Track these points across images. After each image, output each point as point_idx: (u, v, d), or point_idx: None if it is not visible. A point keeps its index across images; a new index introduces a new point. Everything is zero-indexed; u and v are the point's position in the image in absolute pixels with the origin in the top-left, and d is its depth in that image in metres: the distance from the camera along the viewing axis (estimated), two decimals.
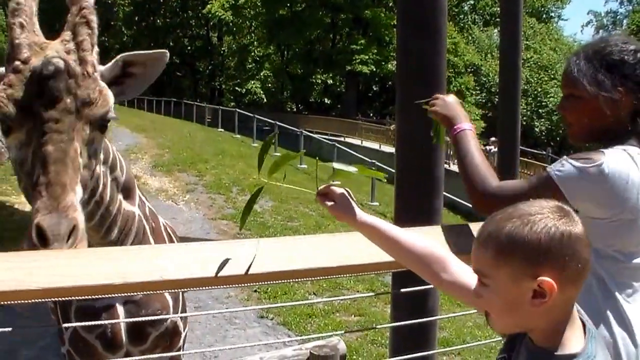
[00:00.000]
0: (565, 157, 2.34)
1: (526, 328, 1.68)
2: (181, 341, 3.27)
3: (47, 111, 2.15)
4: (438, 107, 2.83)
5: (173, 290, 3.03)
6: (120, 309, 2.91)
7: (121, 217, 2.78)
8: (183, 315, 3.25)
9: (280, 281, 2.03)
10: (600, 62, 2.41)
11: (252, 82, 47.33)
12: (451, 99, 2.88)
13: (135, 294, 2.80)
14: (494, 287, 1.63)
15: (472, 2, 57.66)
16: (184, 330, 3.28)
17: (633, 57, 2.40)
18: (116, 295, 2.76)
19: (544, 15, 70.02)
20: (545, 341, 1.64)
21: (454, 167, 30.83)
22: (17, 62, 2.20)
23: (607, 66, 2.40)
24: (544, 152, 37.31)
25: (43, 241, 2.05)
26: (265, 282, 2.05)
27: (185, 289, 2.15)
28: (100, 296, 2.41)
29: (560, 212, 1.60)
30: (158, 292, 2.91)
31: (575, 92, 2.48)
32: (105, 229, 2.72)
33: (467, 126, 2.61)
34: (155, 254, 2.08)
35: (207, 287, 2.09)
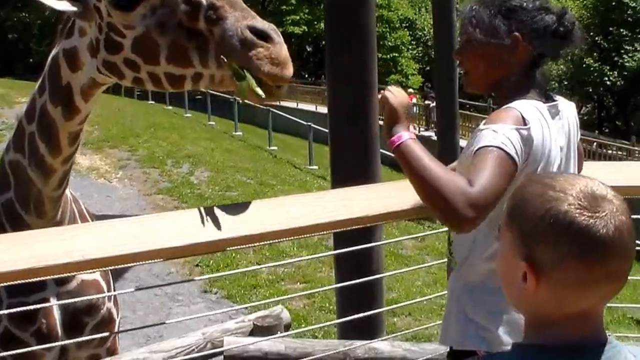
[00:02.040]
0: (487, 126, 2.23)
1: (517, 307, 1.57)
2: (116, 328, 3.26)
3: None
4: (389, 97, 2.50)
5: (105, 272, 3.03)
6: (54, 302, 2.88)
7: (63, 197, 2.79)
8: (116, 293, 3.24)
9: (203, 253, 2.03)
10: (498, 8, 2.39)
11: None
12: (404, 97, 2.66)
13: (69, 284, 2.80)
14: (502, 247, 1.53)
15: None
16: (117, 317, 3.27)
17: (532, 4, 2.39)
18: (47, 288, 2.76)
19: None
20: (528, 334, 1.51)
21: None
22: None
23: (505, 11, 2.38)
24: (485, 104, 37.73)
25: (265, 39, 2.05)
26: (195, 255, 2.04)
27: (112, 267, 2.12)
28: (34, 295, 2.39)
29: (588, 200, 1.38)
30: (90, 278, 2.91)
31: (471, 37, 2.44)
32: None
33: (407, 135, 2.26)
34: (75, 234, 2.06)
35: (135, 264, 2.08)
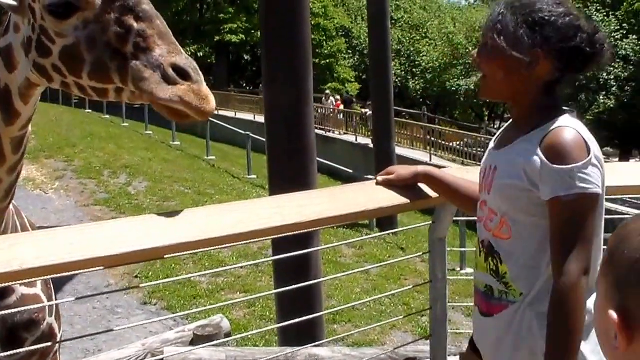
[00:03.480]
0: (560, 165, 2.10)
1: None
2: (57, 345, 3.21)
3: None
4: (393, 180, 2.66)
5: (46, 287, 3.00)
6: None
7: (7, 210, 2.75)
8: (53, 303, 3.21)
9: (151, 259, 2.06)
10: (525, 18, 2.25)
11: None
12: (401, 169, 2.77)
13: (8, 298, 2.75)
14: (597, 297, 1.32)
15: None
16: (59, 332, 3.22)
17: (561, 20, 2.24)
18: None
19: None
20: None
21: (332, 134, 31.28)
22: None
23: (532, 23, 2.24)
24: (420, 112, 38.23)
25: (184, 78, 2.08)
26: (132, 263, 2.06)
27: (51, 276, 2.13)
28: None
29: None
30: (31, 292, 2.87)
31: (492, 43, 2.31)
32: None
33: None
34: (13, 242, 2.07)
35: (76, 272, 2.10)
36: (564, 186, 2.09)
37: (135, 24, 2.14)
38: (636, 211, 20.18)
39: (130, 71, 2.13)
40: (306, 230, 2.46)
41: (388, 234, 14.99)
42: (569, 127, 2.16)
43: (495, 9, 2.35)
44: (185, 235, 2.12)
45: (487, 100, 2.46)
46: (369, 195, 2.60)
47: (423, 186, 2.70)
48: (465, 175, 2.75)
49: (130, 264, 1.97)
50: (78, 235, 2.08)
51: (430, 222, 3.01)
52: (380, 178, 2.73)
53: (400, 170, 2.72)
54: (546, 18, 2.23)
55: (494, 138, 2.54)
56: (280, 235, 2.35)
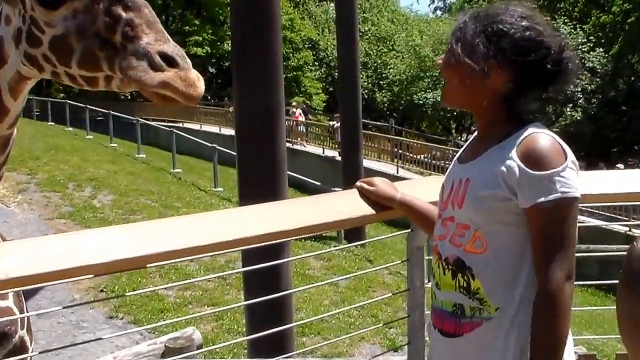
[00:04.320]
0: (538, 172, 2.12)
1: None
2: (29, 358, 3.18)
3: None
4: (370, 193, 2.69)
5: (18, 300, 2.98)
6: None
7: None
8: (26, 315, 3.20)
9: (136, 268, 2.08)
10: (484, 28, 2.26)
11: None
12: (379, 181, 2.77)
13: None
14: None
15: None
16: (31, 345, 3.20)
17: (520, 34, 2.23)
18: None
19: None
20: None
21: (300, 147, 31.30)
22: None
23: (490, 34, 2.24)
24: (387, 124, 38.43)
25: (171, 65, 2.11)
26: (119, 272, 2.08)
27: (37, 286, 2.13)
28: None
29: None
30: (3, 306, 2.84)
31: (451, 49, 2.32)
32: None
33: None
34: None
35: (59, 282, 2.11)
36: (545, 192, 2.10)
37: (124, 14, 2.17)
38: (600, 222, 20.47)
39: (119, 60, 2.16)
40: (291, 239, 2.49)
41: (356, 246, 15.03)
42: (544, 133, 2.19)
43: (461, 17, 2.37)
44: (170, 244, 2.14)
45: (455, 113, 2.45)
46: (352, 204, 2.63)
47: None
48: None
49: (114, 273, 1.98)
50: (63, 243, 2.10)
51: (409, 230, 3.05)
52: (359, 184, 2.76)
53: (381, 188, 2.71)
54: (505, 30, 2.23)
55: (458, 153, 2.53)
56: (264, 244, 2.38)
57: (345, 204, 2.65)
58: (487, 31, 2.24)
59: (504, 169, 2.17)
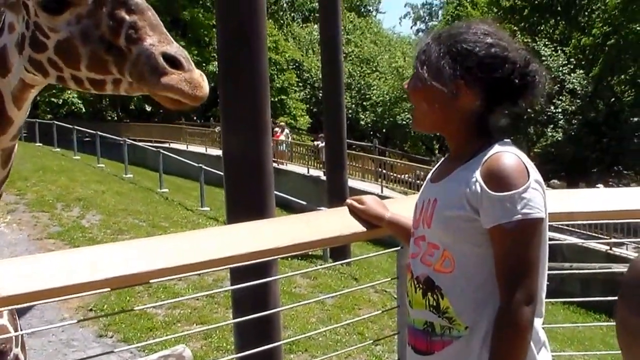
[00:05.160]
0: (500, 194, 2.08)
1: None
2: None
3: None
4: (360, 211, 2.70)
5: (12, 318, 2.97)
6: None
7: None
8: (21, 332, 3.19)
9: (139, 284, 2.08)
10: (448, 48, 2.22)
11: (69, 92, 45.81)
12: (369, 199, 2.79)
13: None
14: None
15: None
16: None
17: (485, 51, 2.20)
18: None
19: (363, 10, 72.22)
20: None
21: (285, 167, 31.29)
22: None
23: (455, 54, 2.21)
24: (371, 144, 38.50)
25: (175, 66, 2.11)
26: (120, 288, 2.08)
27: (35, 303, 2.13)
28: None
29: None
30: None
31: (416, 73, 2.30)
32: None
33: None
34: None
35: (54, 300, 2.10)
36: (506, 213, 2.06)
37: (127, 17, 2.18)
38: (580, 241, 20.55)
39: (126, 62, 2.17)
40: (281, 256, 2.50)
41: (342, 264, 15.04)
42: (508, 152, 2.15)
43: (423, 39, 2.36)
44: (169, 261, 2.14)
45: (437, 134, 2.40)
46: (342, 221, 2.65)
47: None
48: None
49: (114, 290, 1.98)
50: (61, 260, 2.10)
51: (398, 247, 3.07)
52: (349, 202, 2.77)
53: (370, 207, 2.72)
54: (468, 49, 2.19)
55: (430, 172, 2.49)
56: (259, 260, 2.39)
57: (335, 222, 2.67)
58: (451, 51, 2.21)
59: (467, 189, 2.14)
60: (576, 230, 20.80)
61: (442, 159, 2.50)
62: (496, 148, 2.18)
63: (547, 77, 2.31)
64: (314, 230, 2.58)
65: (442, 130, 2.36)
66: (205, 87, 2.18)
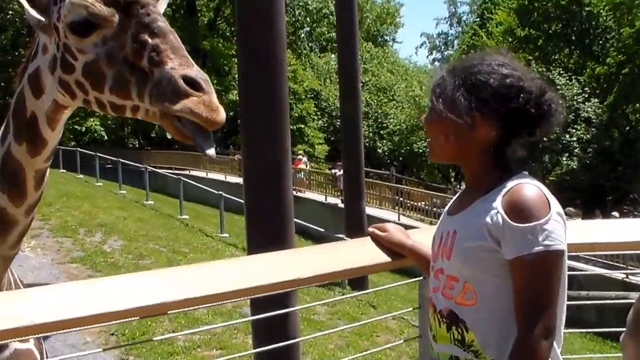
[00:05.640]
0: (521, 225, 2.04)
1: None
2: None
3: None
4: (381, 238, 2.69)
5: (38, 343, 2.97)
6: None
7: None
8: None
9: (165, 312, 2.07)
10: (463, 80, 2.20)
11: (92, 120, 46.22)
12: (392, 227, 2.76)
13: (1, 353, 2.72)
14: None
15: (308, 29, 58.82)
16: None
17: (499, 82, 2.17)
18: None
19: (379, 39, 72.51)
20: None
21: (303, 194, 31.29)
22: None
23: (470, 86, 2.19)
24: (388, 172, 38.53)
25: (195, 89, 2.11)
26: (142, 317, 2.07)
27: (61, 331, 2.12)
28: None
29: None
30: (24, 347, 2.83)
31: (434, 107, 2.27)
32: None
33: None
34: (23, 298, 2.08)
35: (82, 328, 2.10)
36: (527, 244, 2.02)
37: (149, 40, 2.21)
38: (600, 270, 20.42)
39: (149, 85, 2.19)
40: (305, 287, 2.48)
41: (367, 293, 14.97)
42: (529, 184, 2.11)
43: (437, 72, 2.33)
44: (191, 292, 2.13)
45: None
46: (366, 251, 2.63)
47: None
48: None
49: (135, 319, 1.98)
50: (88, 290, 2.10)
51: (420, 278, 3.05)
52: (371, 230, 2.74)
53: (392, 234, 2.70)
54: (483, 80, 2.17)
55: (447, 205, 2.46)
56: (279, 292, 2.37)
57: (359, 252, 2.65)
58: (466, 83, 2.19)
59: (488, 220, 2.10)
60: (592, 258, 20.66)
61: (459, 192, 2.46)
62: (516, 180, 2.15)
63: (563, 105, 2.27)
64: (337, 261, 2.56)
65: (458, 161, 2.33)
66: (222, 111, 2.17)
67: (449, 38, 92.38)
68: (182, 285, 2.19)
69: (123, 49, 2.23)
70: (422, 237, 2.66)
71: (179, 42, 2.24)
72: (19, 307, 2.01)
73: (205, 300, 2.18)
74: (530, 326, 2.01)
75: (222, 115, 2.17)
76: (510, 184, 2.14)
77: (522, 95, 2.16)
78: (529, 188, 2.10)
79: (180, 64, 2.16)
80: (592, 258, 20.53)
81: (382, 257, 2.62)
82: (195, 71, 2.16)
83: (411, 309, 3.40)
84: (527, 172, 2.21)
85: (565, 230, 2.09)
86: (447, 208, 2.44)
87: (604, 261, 21.01)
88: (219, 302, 2.34)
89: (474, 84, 2.18)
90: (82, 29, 2.27)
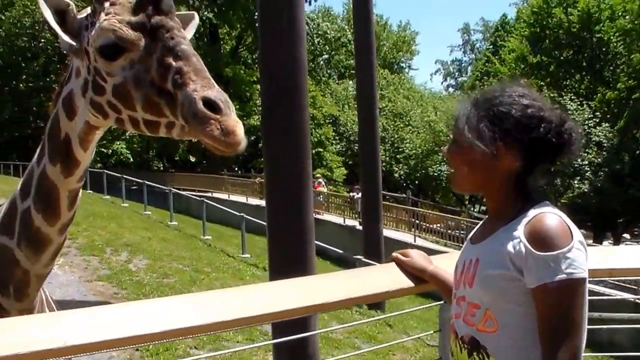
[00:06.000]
0: (544, 253, 2.01)
1: None
2: None
3: (169, 21, 2.31)
4: (404, 263, 2.69)
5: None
6: None
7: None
8: None
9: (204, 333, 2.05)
10: (486, 112, 2.21)
11: (118, 143, 46.60)
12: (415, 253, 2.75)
13: None
14: None
15: (326, 56, 59.12)
16: None
17: (521, 112, 2.17)
18: None
19: (396, 67, 72.81)
20: None
21: (322, 216, 31.25)
22: None
23: (492, 117, 2.19)
24: (404, 195, 38.48)
25: (214, 110, 2.13)
26: (169, 340, 2.06)
27: (93, 353, 2.13)
28: None
29: None
30: None
31: (457, 138, 2.27)
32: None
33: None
34: (55, 321, 2.08)
35: (113, 349, 2.09)
36: (550, 273, 1.99)
37: (173, 63, 2.23)
38: (618, 292, 20.22)
39: (177, 105, 2.21)
40: (335, 310, 2.47)
41: (376, 311, 14.91)
42: (551, 213, 2.09)
43: (461, 104, 2.31)
44: (219, 315, 2.12)
45: None
46: (390, 277, 2.62)
47: None
48: None
49: (163, 342, 1.98)
50: (120, 313, 2.10)
51: (441, 302, 3.02)
52: (395, 255, 2.73)
53: (414, 259, 2.69)
54: (505, 111, 2.17)
55: (470, 234, 2.44)
56: (309, 314, 2.36)
57: (383, 277, 2.64)
58: (489, 115, 2.18)
59: (511, 249, 2.08)
60: (603, 279, 20.47)
61: (482, 220, 2.43)
62: (538, 209, 2.13)
63: (582, 134, 2.27)
64: (363, 286, 2.55)
65: (482, 190, 2.33)
66: (239, 133, 2.17)
67: (463, 65, 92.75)
68: (216, 309, 2.18)
69: (149, 73, 2.26)
70: (444, 262, 2.65)
71: (202, 64, 2.27)
72: (54, 329, 2.01)
73: (235, 323, 2.17)
74: (555, 353, 1.98)
75: (237, 137, 2.17)
76: (532, 213, 2.12)
77: (543, 125, 2.16)
78: (551, 217, 2.08)
79: (202, 86, 2.19)
80: (603, 279, 20.34)
81: (406, 282, 2.61)
82: (215, 92, 2.18)
83: (432, 332, 3.38)
84: (548, 202, 2.19)
85: (587, 258, 2.06)
86: (469, 236, 2.42)
87: (616, 282, 20.80)
88: (249, 325, 2.33)
89: (496, 115, 2.18)
90: (111, 53, 2.31)
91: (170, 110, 2.23)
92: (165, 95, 2.23)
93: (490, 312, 2.14)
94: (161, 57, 2.25)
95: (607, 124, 38.82)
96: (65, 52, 2.48)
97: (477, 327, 2.17)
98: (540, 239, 2.04)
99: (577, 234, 2.07)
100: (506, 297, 2.10)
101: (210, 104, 2.14)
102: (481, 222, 2.44)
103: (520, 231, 2.09)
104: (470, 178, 2.28)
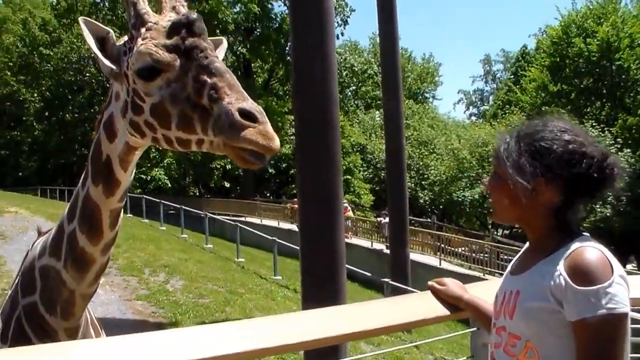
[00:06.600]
0: (584, 288, 1.95)
1: None
2: None
3: (202, 42, 2.36)
4: (439, 291, 2.65)
5: None
6: None
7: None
8: None
9: None
10: (527, 146, 2.15)
11: (157, 170, 46.99)
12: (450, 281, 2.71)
13: None
14: None
15: (354, 88, 59.27)
16: None
17: (563, 148, 2.11)
18: None
19: (420, 97, 72.81)
20: None
21: (350, 240, 31.15)
22: (150, 24, 2.44)
23: (534, 152, 2.13)
24: (429, 220, 38.27)
25: (251, 120, 2.17)
26: None
27: None
28: None
29: None
30: None
31: (498, 171, 2.22)
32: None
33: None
34: (106, 346, 2.07)
35: None
36: (590, 307, 1.92)
37: (208, 79, 2.27)
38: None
39: (210, 119, 2.24)
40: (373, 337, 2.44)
41: (403, 332, 14.76)
42: (592, 247, 2.03)
43: (502, 138, 2.25)
44: (263, 342, 2.10)
45: (490, 210, 2.28)
46: (427, 304, 2.59)
47: None
48: None
49: None
50: (160, 340, 2.07)
51: (474, 328, 2.97)
52: (430, 283, 2.69)
53: (450, 288, 2.65)
54: (547, 146, 2.11)
55: (510, 264, 2.38)
56: (349, 341, 2.33)
57: (420, 305, 2.60)
58: (530, 149, 2.13)
59: (551, 282, 2.02)
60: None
61: (521, 251, 2.38)
62: (578, 243, 2.07)
63: (625, 168, 2.20)
64: (400, 314, 2.51)
65: (522, 223, 2.26)
66: (277, 139, 2.21)
67: (485, 94, 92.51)
68: (251, 335, 2.16)
69: (185, 90, 2.30)
70: (479, 291, 2.62)
71: (235, 80, 2.31)
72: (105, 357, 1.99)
73: (276, 350, 2.14)
74: None
75: (277, 142, 2.21)
76: (572, 247, 2.06)
77: (585, 160, 2.10)
78: (592, 251, 2.02)
79: (236, 99, 2.22)
80: None
81: (441, 310, 2.57)
82: (250, 104, 2.22)
83: (465, 358, 3.32)
84: (588, 235, 2.14)
85: (629, 293, 1.99)
86: (509, 267, 2.37)
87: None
88: (292, 351, 2.30)
89: (538, 150, 2.13)
90: (148, 74, 2.36)
91: (201, 126, 2.26)
92: (200, 109, 2.26)
93: (530, 343, 2.08)
94: (196, 74, 2.30)
95: (628, 150, 38.30)
96: (106, 76, 2.53)
97: (517, 358, 2.12)
98: (580, 273, 1.98)
99: (618, 268, 2.00)
100: (547, 330, 2.04)
101: (246, 114, 2.19)
102: (521, 252, 2.38)
103: (560, 265, 2.03)
104: (511, 211, 2.22)
